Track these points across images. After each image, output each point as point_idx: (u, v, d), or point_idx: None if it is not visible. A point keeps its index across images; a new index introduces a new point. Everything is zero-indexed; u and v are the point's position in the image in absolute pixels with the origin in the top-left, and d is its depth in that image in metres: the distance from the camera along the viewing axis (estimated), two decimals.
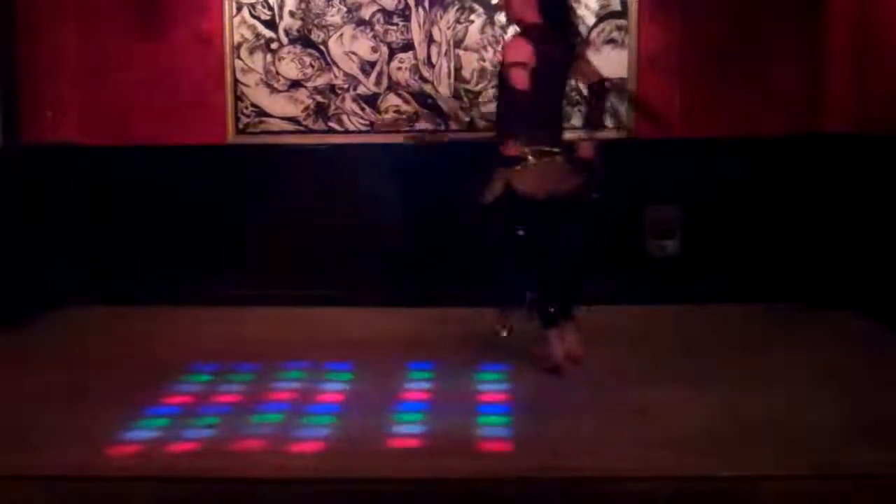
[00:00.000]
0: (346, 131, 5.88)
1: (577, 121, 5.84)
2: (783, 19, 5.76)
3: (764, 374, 4.38)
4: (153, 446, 3.59)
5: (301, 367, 4.60)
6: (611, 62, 5.81)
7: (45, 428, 3.78)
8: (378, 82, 5.87)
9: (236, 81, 5.93)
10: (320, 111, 5.91)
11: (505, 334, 4.78)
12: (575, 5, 5.36)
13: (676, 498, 3.22)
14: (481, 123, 5.56)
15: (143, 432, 3.72)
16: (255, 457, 3.50)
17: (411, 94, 5.82)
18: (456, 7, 5.82)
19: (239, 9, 5.88)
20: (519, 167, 4.33)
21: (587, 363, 4.58)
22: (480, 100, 5.83)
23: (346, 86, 5.88)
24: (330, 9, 5.86)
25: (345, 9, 5.84)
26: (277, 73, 5.91)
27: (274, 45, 5.90)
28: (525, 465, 3.37)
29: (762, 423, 3.74)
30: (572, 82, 4.81)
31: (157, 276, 5.97)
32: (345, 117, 5.90)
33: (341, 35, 5.86)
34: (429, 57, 5.83)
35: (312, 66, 5.89)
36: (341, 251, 5.86)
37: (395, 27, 5.85)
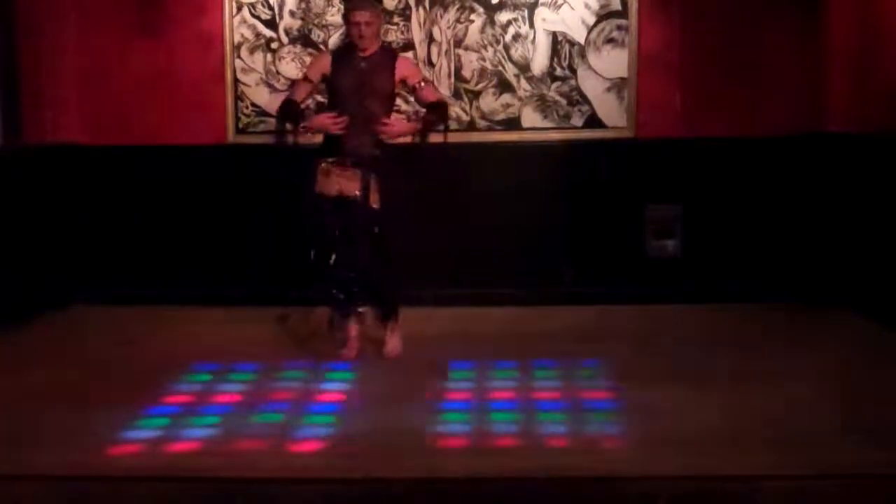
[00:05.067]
0: None
1: (577, 120, 5.86)
2: (783, 19, 5.76)
3: (764, 374, 4.37)
4: (153, 446, 3.59)
5: (301, 366, 4.60)
6: (611, 62, 5.82)
7: (45, 428, 3.78)
8: None
9: (236, 81, 5.93)
10: (320, 111, 5.90)
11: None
12: None
13: (676, 498, 3.22)
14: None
15: (144, 432, 3.73)
16: (255, 457, 3.50)
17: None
18: (456, 7, 5.82)
19: (239, 8, 5.88)
20: (322, 167, 4.64)
21: (587, 363, 4.59)
22: (481, 98, 5.86)
23: None
24: (330, 8, 5.86)
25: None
26: (278, 72, 5.91)
27: (274, 45, 5.90)
28: (525, 465, 3.37)
29: (762, 423, 3.74)
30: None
31: (157, 276, 5.97)
32: None
33: (341, 34, 5.86)
34: (429, 56, 5.83)
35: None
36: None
37: (395, 26, 5.84)
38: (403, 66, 4.77)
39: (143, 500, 3.30)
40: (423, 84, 4.80)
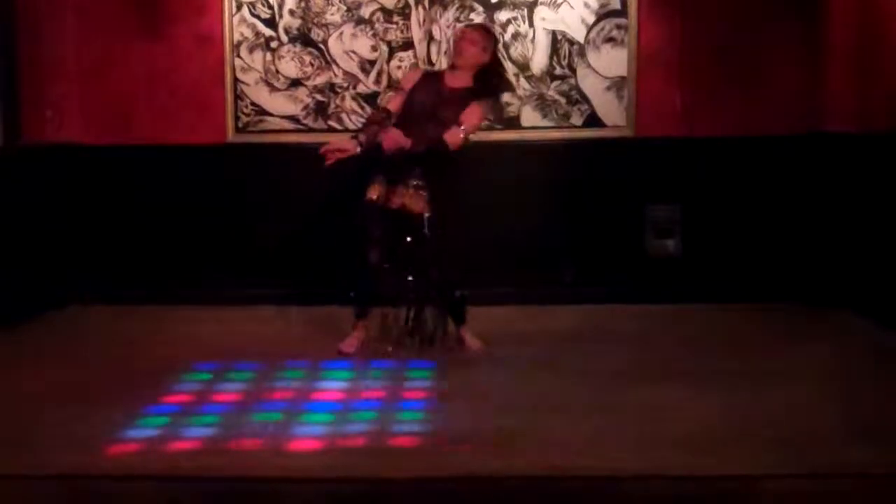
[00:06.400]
0: (346, 130, 5.86)
1: (576, 119, 5.87)
2: (783, 19, 5.76)
3: (764, 374, 4.37)
4: (153, 446, 3.59)
5: (301, 366, 4.61)
6: (610, 61, 5.82)
7: (45, 428, 3.77)
8: (378, 81, 5.87)
9: (236, 80, 5.93)
10: (320, 110, 5.92)
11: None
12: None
13: (676, 498, 3.22)
14: None
15: (144, 432, 3.72)
16: (255, 456, 3.50)
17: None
18: (456, 6, 5.82)
19: (239, 7, 5.88)
20: (379, 177, 4.67)
21: (588, 363, 4.59)
22: None
23: (345, 84, 5.89)
24: (330, 7, 5.86)
25: (344, 7, 5.84)
26: (277, 71, 5.91)
27: (274, 44, 5.90)
28: (525, 465, 3.37)
29: (762, 423, 3.74)
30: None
31: (156, 276, 5.97)
32: (345, 116, 5.90)
33: (341, 34, 5.86)
34: (428, 56, 5.83)
35: (312, 65, 5.89)
36: (342, 250, 5.84)
37: (394, 26, 5.84)
38: (471, 112, 4.65)
39: (143, 499, 3.29)
40: (461, 126, 4.62)
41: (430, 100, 4.67)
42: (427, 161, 4.60)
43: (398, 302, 4.81)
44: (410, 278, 4.73)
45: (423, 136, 4.56)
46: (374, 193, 4.66)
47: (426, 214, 4.64)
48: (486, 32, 4.88)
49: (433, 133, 4.58)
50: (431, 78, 4.83)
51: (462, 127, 4.61)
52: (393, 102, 4.81)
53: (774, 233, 5.81)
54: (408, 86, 4.78)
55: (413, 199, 4.64)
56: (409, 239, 4.67)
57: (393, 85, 5.76)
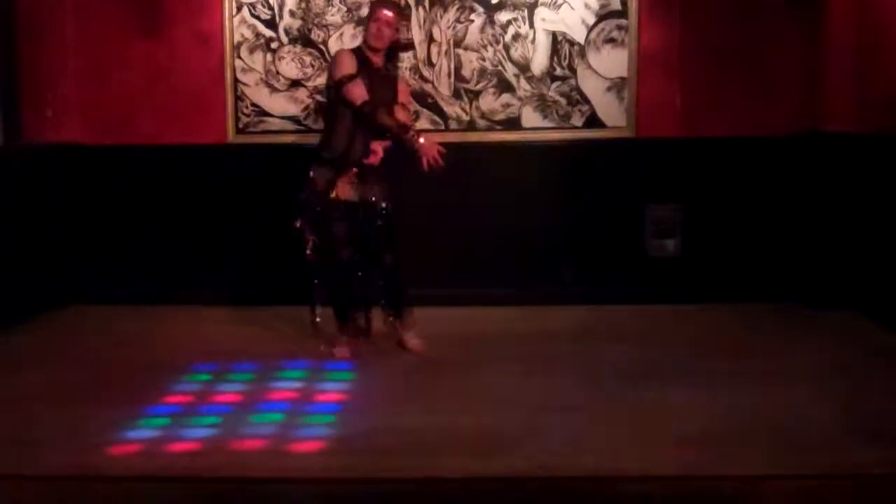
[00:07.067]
0: None
1: (577, 120, 5.86)
2: (783, 19, 5.76)
3: (764, 374, 4.38)
4: (153, 446, 3.59)
5: (301, 366, 4.61)
6: (611, 61, 5.83)
7: (45, 428, 3.78)
8: None
9: (236, 81, 5.93)
10: (320, 111, 5.91)
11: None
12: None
13: (676, 498, 3.22)
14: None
15: (143, 432, 3.73)
16: (255, 457, 3.51)
17: (412, 93, 5.80)
18: (456, 6, 5.82)
19: (239, 8, 5.88)
20: (343, 174, 4.70)
21: (588, 363, 4.59)
22: (480, 98, 5.86)
23: None
24: (330, 8, 5.86)
25: (345, 8, 5.85)
26: (277, 72, 5.91)
27: (274, 45, 5.90)
28: (525, 465, 3.37)
29: (762, 423, 3.74)
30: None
31: (156, 276, 5.97)
32: None
33: (341, 34, 5.86)
34: (429, 56, 5.83)
35: (312, 66, 5.89)
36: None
37: None
38: (403, 90, 4.87)
39: (143, 500, 3.30)
40: (405, 107, 4.81)
41: (367, 83, 4.63)
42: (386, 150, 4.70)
43: (367, 297, 4.86)
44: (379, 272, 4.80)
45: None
46: (337, 190, 4.69)
47: (383, 203, 4.71)
48: (399, 12, 4.92)
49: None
50: (360, 59, 4.68)
51: (408, 108, 4.80)
52: (364, 92, 4.60)
53: (774, 233, 5.81)
54: (355, 71, 4.62)
55: (372, 190, 4.71)
56: (370, 227, 4.72)
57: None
